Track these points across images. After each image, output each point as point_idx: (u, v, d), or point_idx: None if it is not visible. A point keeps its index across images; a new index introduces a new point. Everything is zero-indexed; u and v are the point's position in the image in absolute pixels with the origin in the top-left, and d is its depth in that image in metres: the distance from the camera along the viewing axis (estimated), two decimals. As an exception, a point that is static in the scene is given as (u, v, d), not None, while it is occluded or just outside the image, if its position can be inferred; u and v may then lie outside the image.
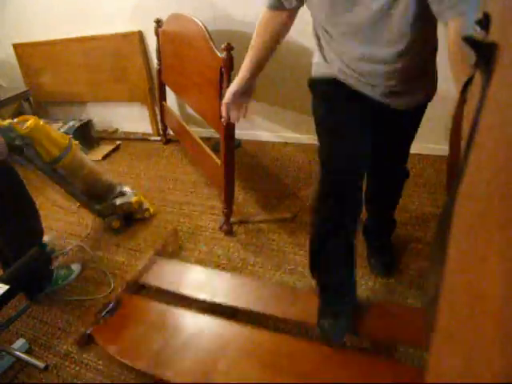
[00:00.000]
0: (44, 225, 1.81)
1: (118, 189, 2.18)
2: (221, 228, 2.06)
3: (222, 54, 1.66)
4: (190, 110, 3.09)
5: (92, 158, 3.07)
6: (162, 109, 3.02)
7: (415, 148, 1.54)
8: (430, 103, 1.29)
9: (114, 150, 3.19)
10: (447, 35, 0.96)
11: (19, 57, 3.38)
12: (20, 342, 1.55)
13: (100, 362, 1.46)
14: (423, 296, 1.50)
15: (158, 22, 2.66)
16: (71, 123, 3.19)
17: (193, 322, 1.51)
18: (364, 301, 1.50)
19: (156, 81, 2.95)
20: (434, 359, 0.42)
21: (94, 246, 2.09)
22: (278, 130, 2.86)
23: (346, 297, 1.37)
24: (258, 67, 1.33)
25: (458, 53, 0.86)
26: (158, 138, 3.22)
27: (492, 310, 0.27)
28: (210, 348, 1.39)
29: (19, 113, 3.20)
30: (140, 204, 2.17)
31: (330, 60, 1.22)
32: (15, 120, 1.75)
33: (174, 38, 2.43)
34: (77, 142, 2.00)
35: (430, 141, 2.32)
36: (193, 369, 1.33)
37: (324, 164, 1.28)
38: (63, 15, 3.02)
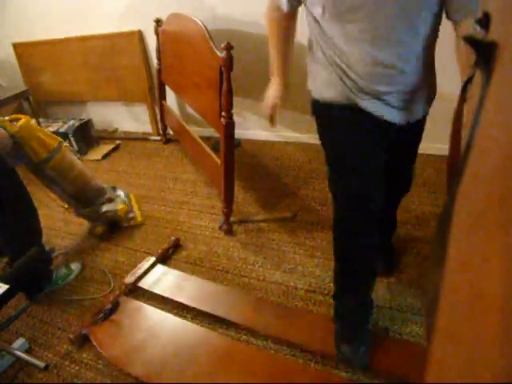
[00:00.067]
0: (44, 224, 1.81)
1: (108, 194, 2.16)
2: (221, 227, 2.06)
3: (221, 54, 1.66)
4: (189, 110, 3.08)
5: (92, 158, 3.09)
6: (162, 108, 3.02)
7: (415, 147, 1.53)
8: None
9: (113, 150, 3.19)
10: (457, 35, 0.97)
11: (19, 56, 3.37)
12: (20, 342, 1.55)
13: (100, 362, 1.46)
14: (423, 296, 1.50)
15: (158, 22, 2.65)
16: (71, 122, 3.19)
17: (189, 333, 1.51)
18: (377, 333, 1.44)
19: (156, 80, 2.95)
20: (434, 359, 0.42)
21: (94, 245, 2.09)
22: (278, 130, 2.86)
23: (366, 320, 1.37)
24: (288, 63, 1.34)
25: (470, 53, 0.86)
26: (158, 138, 3.22)
27: (492, 310, 0.27)
28: (205, 362, 1.38)
29: (19, 112, 3.19)
30: (126, 212, 2.14)
31: (334, 77, 1.12)
32: (6, 118, 1.76)
33: (173, 38, 2.42)
34: (67, 144, 1.99)
35: (429, 140, 2.31)
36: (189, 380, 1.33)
37: (338, 199, 1.27)
38: (63, 15, 3.02)
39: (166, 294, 1.67)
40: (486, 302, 0.29)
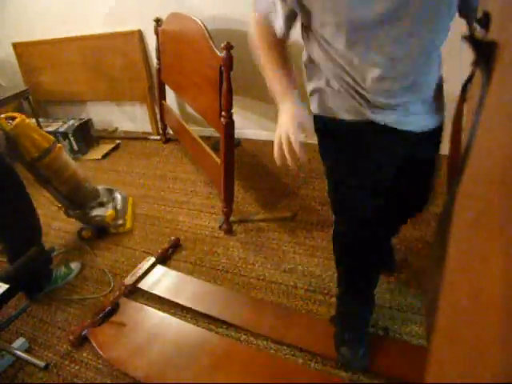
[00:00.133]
0: (43, 223, 1.81)
1: (100, 198, 2.16)
2: (220, 227, 2.06)
3: (221, 53, 1.66)
4: (189, 109, 3.08)
5: (91, 157, 3.09)
6: (162, 108, 3.02)
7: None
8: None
9: (113, 149, 3.19)
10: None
11: (19, 56, 3.37)
12: (20, 341, 1.54)
13: (100, 362, 1.46)
14: (423, 296, 1.50)
15: (158, 21, 2.65)
16: (71, 122, 3.19)
17: (189, 334, 1.51)
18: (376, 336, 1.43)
19: (156, 80, 2.94)
20: (434, 359, 0.42)
21: (94, 245, 2.09)
22: (278, 129, 2.86)
23: (366, 323, 1.37)
24: (295, 80, 1.03)
25: None
26: (158, 137, 3.22)
27: (492, 310, 0.27)
28: (206, 362, 1.38)
29: (19, 112, 3.19)
30: (113, 219, 2.11)
31: (341, 93, 1.00)
32: (2, 116, 1.77)
33: (173, 37, 2.42)
34: (61, 145, 1.99)
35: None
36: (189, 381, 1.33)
37: (338, 214, 1.23)
38: (63, 14, 3.02)
39: (165, 296, 1.67)
40: (486, 302, 0.29)
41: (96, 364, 1.46)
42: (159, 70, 2.82)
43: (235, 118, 1.79)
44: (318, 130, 1.08)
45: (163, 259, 1.89)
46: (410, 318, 1.46)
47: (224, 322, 1.53)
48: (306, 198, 2.22)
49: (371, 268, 1.32)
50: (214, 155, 2.08)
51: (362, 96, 0.97)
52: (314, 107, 1.10)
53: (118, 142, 3.27)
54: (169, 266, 1.85)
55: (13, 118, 1.78)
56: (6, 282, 1.31)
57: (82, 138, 3.17)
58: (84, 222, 2.11)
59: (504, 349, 0.24)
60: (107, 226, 2.12)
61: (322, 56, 0.97)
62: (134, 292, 1.73)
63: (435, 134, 1.11)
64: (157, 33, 2.68)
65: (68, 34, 3.07)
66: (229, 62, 1.66)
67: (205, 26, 1.86)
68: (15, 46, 3.32)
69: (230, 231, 2.03)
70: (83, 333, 1.53)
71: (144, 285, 1.73)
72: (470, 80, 0.65)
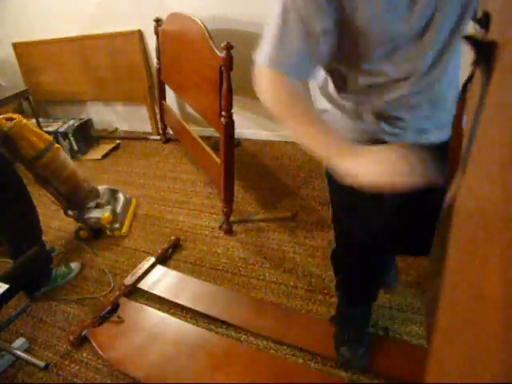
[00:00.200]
0: (43, 223, 1.81)
1: (99, 199, 2.16)
2: (220, 227, 2.06)
3: (221, 53, 1.66)
4: (189, 109, 3.08)
5: (91, 157, 3.09)
6: (162, 108, 3.02)
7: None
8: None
9: (113, 149, 3.19)
10: None
11: (19, 56, 3.37)
12: (20, 341, 1.55)
13: (100, 361, 1.46)
14: (423, 296, 1.50)
15: (158, 21, 2.65)
16: (71, 122, 3.19)
17: (189, 334, 1.51)
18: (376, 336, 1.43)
19: (156, 80, 2.94)
20: (434, 359, 0.42)
21: (94, 244, 2.09)
22: (278, 129, 2.86)
23: (366, 324, 1.37)
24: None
25: None
26: (158, 137, 3.22)
27: (492, 310, 0.27)
28: (206, 362, 1.38)
29: (19, 112, 3.20)
30: (109, 222, 2.10)
31: (349, 120, 0.95)
32: (1, 117, 1.78)
33: (173, 37, 2.42)
34: (58, 145, 2.00)
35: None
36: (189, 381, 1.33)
37: (339, 239, 1.22)
38: (63, 14, 3.02)
39: (165, 296, 1.67)
40: (485, 302, 0.29)
41: (96, 364, 1.46)
42: (159, 70, 2.82)
43: (235, 117, 1.79)
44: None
45: (163, 259, 1.89)
46: (409, 318, 1.46)
47: (224, 322, 1.53)
48: (306, 198, 2.22)
49: (370, 284, 1.31)
50: (213, 155, 2.08)
51: (371, 113, 0.91)
52: None
53: (117, 141, 3.27)
54: (169, 266, 1.85)
55: (11, 120, 1.79)
56: (6, 282, 1.31)
57: (82, 138, 3.17)
58: (80, 222, 2.11)
59: (504, 349, 0.24)
60: (102, 228, 2.12)
61: (331, 87, 0.92)
62: (134, 292, 1.73)
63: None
64: (157, 33, 2.68)
65: (68, 34, 3.07)
66: (229, 62, 1.66)
67: (205, 26, 1.86)
68: (15, 45, 3.32)
69: (229, 231, 2.03)
70: (83, 333, 1.53)
71: (144, 285, 1.74)
72: (470, 80, 0.65)
